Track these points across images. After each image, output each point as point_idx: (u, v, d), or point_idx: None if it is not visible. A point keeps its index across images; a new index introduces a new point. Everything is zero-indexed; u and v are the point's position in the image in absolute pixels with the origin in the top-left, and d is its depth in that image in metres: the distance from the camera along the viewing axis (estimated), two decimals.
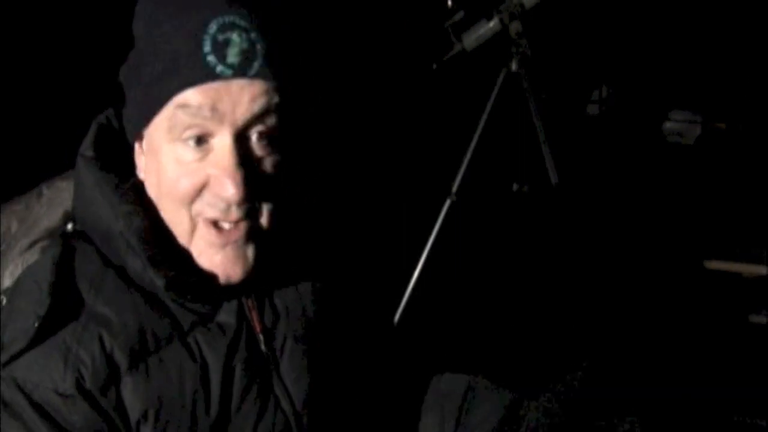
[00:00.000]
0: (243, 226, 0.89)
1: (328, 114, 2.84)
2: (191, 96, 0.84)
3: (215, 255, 0.89)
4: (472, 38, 2.68)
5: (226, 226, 0.88)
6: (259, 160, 0.88)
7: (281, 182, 0.91)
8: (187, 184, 0.87)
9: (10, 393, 0.84)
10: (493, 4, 2.62)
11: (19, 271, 0.91)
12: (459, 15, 2.67)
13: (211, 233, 0.88)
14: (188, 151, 0.86)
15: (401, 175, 3.14)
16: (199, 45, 0.84)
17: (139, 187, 0.92)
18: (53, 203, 0.96)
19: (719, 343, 2.73)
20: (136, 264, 0.88)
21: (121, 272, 0.90)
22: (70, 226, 0.93)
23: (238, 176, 0.85)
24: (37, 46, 2.28)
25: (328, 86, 2.91)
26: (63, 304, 0.87)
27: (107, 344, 0.86)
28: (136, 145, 0.93)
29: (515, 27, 2.59)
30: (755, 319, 2.86)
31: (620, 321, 2.75)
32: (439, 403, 1.10)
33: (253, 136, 0.87)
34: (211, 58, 0.83)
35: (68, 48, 2.32)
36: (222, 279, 0.90)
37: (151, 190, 0.91)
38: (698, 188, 3.38)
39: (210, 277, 0.90)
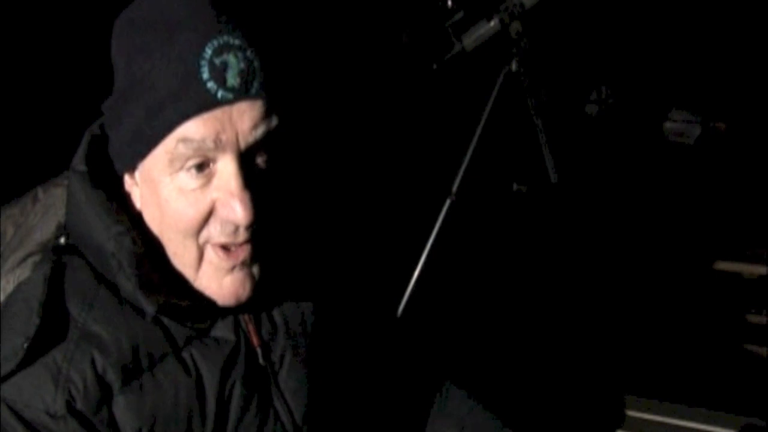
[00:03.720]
0: (248, 246, 0.87)
1: (328, 115, 2.84)
2: (193, 129, 0.81)
3: (224, 278, 0.88)
4: (472, 38, 2.68)
5: (232, 248, 0.87)
6: (260, 179, 0.86)
7: (281, 197, 0.90)
8: (193, 214, 0.85)
9: (1, 413, 0.83)
10: (493, 4, 2.62)
11: (11, 287, 0.90)
12: (459, 15, 2.67)
13: (219, 257, 0.87)
14: (191, 180, 0.84)
15: (401, 175, 3.14)
16: (197, 72, 0.80)
17: (132, 206, 0.90)
18: (47, 212, 0.95)
19: (719, 343, 2.73)
20: (128, 285, 0.86)
21: (114, 289, 0.88)
22: (63, 240, 0.92)
23: (246, 198, 0.83)
24: (35, 44, 2.28)
25: (326, 88, 2.91)
26: (53, 323, 0.85)
27: (99, 364, 0.85)
28: (127, 177, 0.90)
29: (515, 27, 2.59)
30: (755, 319, 2.86)
31: (620, 321, 2.75)
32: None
33: (254, 155, 0.85)
34: (211, 85, 0.80)
35: (66, 47, 2.31)
36: (231, 300, 0.89)
37: (152, 222, 0.89)
38: (698, 188, 3.38)
39: (206, 299, 0.89)
